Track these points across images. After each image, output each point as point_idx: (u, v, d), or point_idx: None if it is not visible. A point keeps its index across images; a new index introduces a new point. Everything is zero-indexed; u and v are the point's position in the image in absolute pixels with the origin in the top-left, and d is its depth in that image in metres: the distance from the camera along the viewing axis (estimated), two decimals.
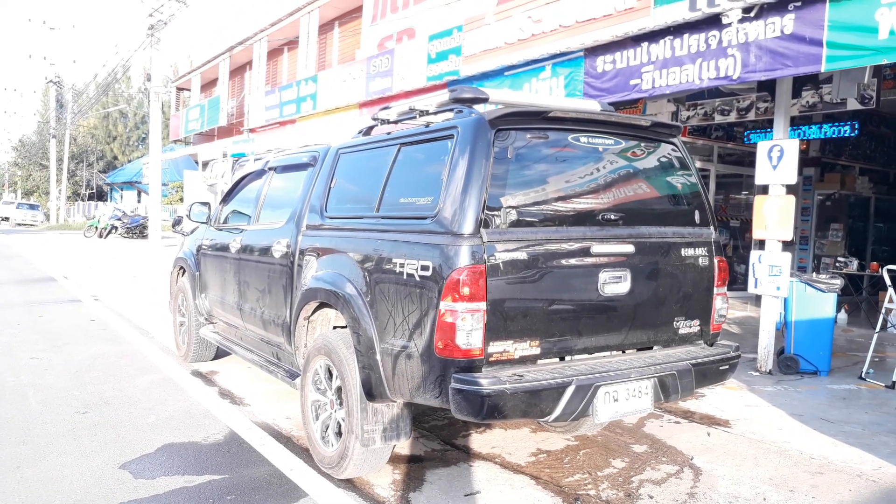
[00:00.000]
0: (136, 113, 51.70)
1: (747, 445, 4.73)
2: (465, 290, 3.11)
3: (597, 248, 3.48)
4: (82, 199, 49.34)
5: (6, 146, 55.92)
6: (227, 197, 6.11)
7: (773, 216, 6.74)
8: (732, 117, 10.12)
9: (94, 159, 50.35)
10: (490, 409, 3.08)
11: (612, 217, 3.58)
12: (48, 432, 4.59)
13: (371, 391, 3.61)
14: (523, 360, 3.31)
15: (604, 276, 3.49)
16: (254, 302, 5.10)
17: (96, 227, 28.18)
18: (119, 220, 28.90)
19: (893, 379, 6.34)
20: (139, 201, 40.93)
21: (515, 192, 3.37)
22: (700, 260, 3.87)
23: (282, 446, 4.46)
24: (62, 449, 4.30)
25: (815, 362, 6.79)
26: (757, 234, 7.00)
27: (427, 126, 3.77)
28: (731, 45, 6.18)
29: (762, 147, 6.75)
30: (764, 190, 6.89)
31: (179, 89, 30.04)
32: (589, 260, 3.46)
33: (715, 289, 3.94)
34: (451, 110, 3.75)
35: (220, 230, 5.92)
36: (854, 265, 9.97)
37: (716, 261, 3.93)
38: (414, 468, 4.16)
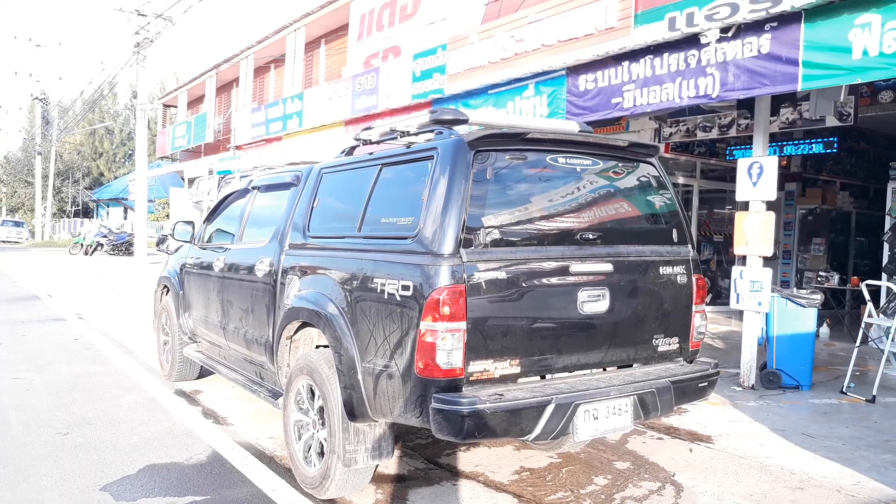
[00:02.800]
0: (123, 129, 51.56)
1: (729, 461, 4.76)
2: (446, 310, 3.14)
3: (576, 267, 3.52)
4: (68, 216, 49.05)
5: None
6: (211, 216, 6.11)
7: (754, 232, 6.82)
8: (714, 134, 10.24)
9: (80, 176, 50.11)
10: (470, 429, 3.11)
11: (591, 236, 3.63)
12: (29, 454, 4.55)
13: (353, 411, 3.62)
14: (504, 379, 3.34)
15: (583, 294, 3.53)
16: (237, 321, 5.10)
17: (82, 245, 27.99)
18: (105, 237, 28.73)
19: (874, 393, 6.41)
20: (125, 218, 40.72)
21: (495, 213, 3.41)
22: (678, 278, 3.92)
23: (264, 466, 4.45)
24: (42, 471, 4.27)
25: (797, 377, 6.84)
26: (738, 250, 7.07)
27: (408, 147, 3.81)
28: (709, 65, 6.28)
29: (742, 164, 6.84)
30: (745, 206, 6.97)
31: (166, 106, 30.03)
32: (568, 279, 3.50)
33: (693, 306, 3.99)
34: (431, 131, 3.79)
35: (204, 249, 5.93)
36: (835, 279, 10.08)
37: (694, 279, 3.98)
38: (397, 488, 4.16)
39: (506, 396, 3.22)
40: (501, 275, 3.30)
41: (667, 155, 12.00)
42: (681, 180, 12.62)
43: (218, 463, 4.51)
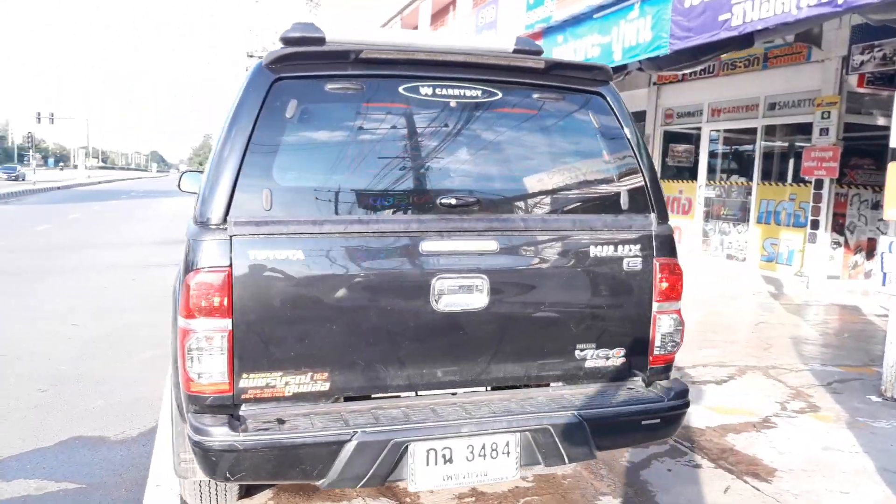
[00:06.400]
0: None
1: None
2: (202, 302, 2.29)
3: (429, 245, 2.45)
4: None
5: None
6: None
7: None
8: None
9: None
10: (224, 469, 2.27)
11: (461, 202, 2.51)
12: None
13: (182, 414, 2.91)
14: (302, 398, 2.42)
15: (441, 284, 2.46)
16: None
17: None
18: None
19: None
20: None
21: (299, 167, 2.48)
22: (627, 263, 2.66)
23: None
24: None
25: None
26: (888, 213, 5.22)
27: None
28: None
29: None
30: None
31: None
32: (416, 262, 2.45)
33: (655, 304, 2.70)
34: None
35: None
36: None
37: (656, 263, 2.69)
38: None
39: (286, 426, 2.31)
40: (297, 254, 2.35)
41: (861, 90, 9.58)
42: (880, 121, 10.05)
43: (141, 443, 4.09)
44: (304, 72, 2.47)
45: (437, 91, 2.56)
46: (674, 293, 2.71)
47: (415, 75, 2.54)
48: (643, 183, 2.72)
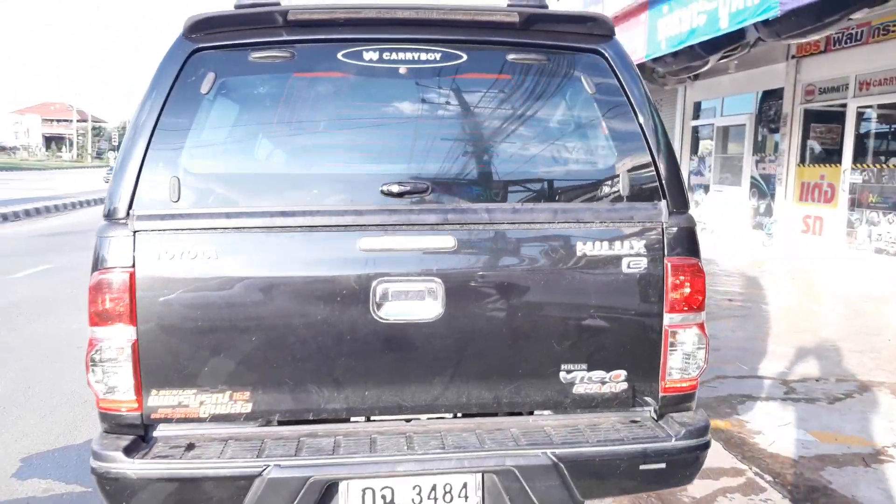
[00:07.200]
0: None
1: None
2: (103, 307, 2.01)
3: (368, 241, 2.03)
4: None
5: None
6: None
7: None
8: None
9: None
10: (119, 499, 1.98)
11: (408, 189, 2.06)
12: (36, 403, 4.57)
13: None
14: (222, 420, 2.09)
15: (382, 289, 2.03)
16: None
17: None
18: None
19: None
20: None
21: (215, 152, 2.15)
22: (626, 263, 2.09)
23: None
24: (15, 426, 4.19)
25: None
26: None
27: None
28: None
29: None
30: None
31: None
32: (352, 262, 2.04)
33: (668, 316, 2.12)
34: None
35: None
36: None
37: (668, 264, 2.10)
38: None
39: (191, 454, 1.99)
40: (209, 252, 2.01)
41: None
42: None
43: None
44: (226, 40, 2.12)
45: (385, 56, 2.12)
46: (693, 303, 2.12)
47: (356, 38, 2.12)
48: (652, 164, 2.13)
